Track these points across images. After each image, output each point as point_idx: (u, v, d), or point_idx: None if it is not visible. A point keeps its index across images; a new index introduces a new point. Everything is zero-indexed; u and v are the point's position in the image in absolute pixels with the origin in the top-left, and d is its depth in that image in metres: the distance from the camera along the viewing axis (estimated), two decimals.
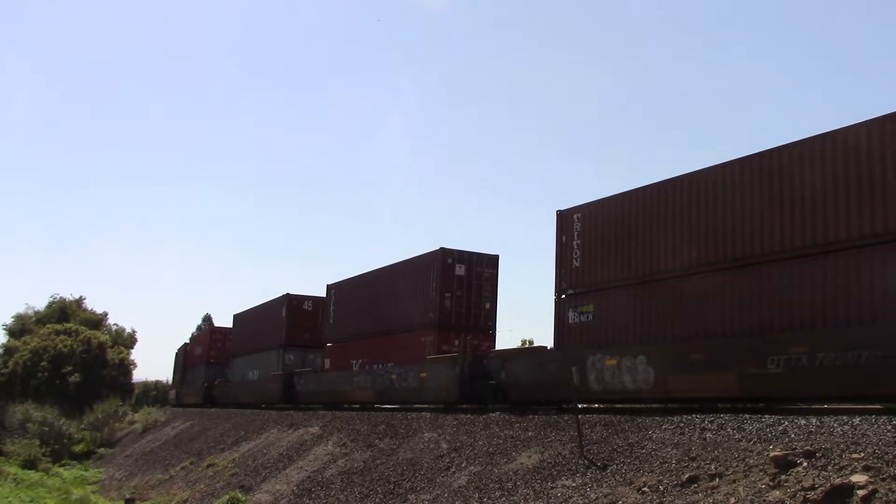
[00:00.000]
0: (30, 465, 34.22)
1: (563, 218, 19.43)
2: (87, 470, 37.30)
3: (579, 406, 15.43)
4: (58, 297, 64.22)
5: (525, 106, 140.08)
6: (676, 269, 16.09)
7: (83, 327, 58.47)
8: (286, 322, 34.88)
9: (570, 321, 18.40)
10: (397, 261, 26.66)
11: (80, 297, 65.89)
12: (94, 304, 66.89)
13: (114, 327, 66.15)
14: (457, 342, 23.22)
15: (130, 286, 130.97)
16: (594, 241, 18.35)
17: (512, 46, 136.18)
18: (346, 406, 28.25)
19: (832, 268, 13.14)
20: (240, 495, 19.77)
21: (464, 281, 23.84)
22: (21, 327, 61.42)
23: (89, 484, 32.74)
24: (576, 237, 18.83)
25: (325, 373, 30.20)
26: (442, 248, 23.87)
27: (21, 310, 63.94)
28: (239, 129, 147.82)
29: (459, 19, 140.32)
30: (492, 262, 24.50)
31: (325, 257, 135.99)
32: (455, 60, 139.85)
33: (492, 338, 24.08)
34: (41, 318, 61.64)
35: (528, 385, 19.17)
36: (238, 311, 43.89)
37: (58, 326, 57.45)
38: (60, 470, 35.41)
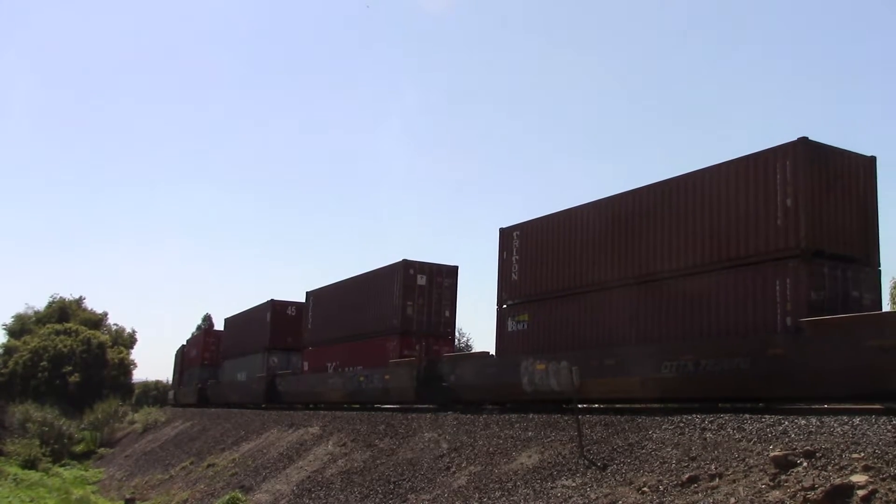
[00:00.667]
0: (30, 465, 34.26)
1: (504, 235, 21.29)
2: (87, 470, 37.34)
3: (579, 406, 15.50)
4: (58, 297, 64.31)
5: (525, 106, 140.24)
6: (594, 284, 18.09)
7: (83, 327, 58.50)
8: (270, 326, 36.97)
9: (509, 329, 20.34)
10: (367, 270, 28.88)
11: (80, 297, 66.04)
12: (94, 304, 67.06)
13: (114, 327, 66.24)
14: (418, 347, 25.37)
15: (130, 286, 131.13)
16: (529, 256, 20.26)
17: (512, 47, 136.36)
18: (322, 406, 30.03)
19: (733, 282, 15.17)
20: (240, 495, 19.79)
21: (425, 290, 25.97)
22: (21, 327, 61.43)
23: (89, 484, 32.76)
24: (514, 253, 20.76)
25: (304, 375, 32.38)
26: (405, 260, 25.99)
27: (21, 310, 64.08)
28: (239, 130, 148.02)
29: (459, 20, 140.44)
30: (451, 272, 26.71)
31: (325, 257, 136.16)
32: (455, 61, 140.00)
33: (451, 343, 26.41)
34: (41, 318, 61.65)
35: (474, 387, 20.84)
36: (229, 315, 45.67)
37: (58, 326, 57.47)
38: (60, 470, 35.44)
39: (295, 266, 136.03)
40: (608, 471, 12.23)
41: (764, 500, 9.18)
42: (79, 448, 43.51)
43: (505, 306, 20.81)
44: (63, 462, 38.35)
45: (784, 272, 14.06)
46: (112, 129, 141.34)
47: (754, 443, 10.93)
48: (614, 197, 18.02)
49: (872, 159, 15.52)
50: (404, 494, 15.21)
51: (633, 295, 16.91)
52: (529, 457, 14.17)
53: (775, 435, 10.93)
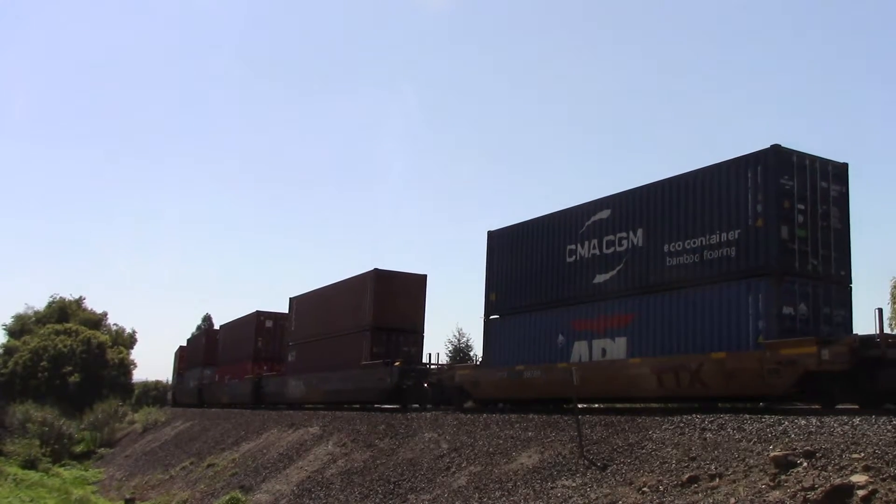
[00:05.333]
0: (30, 465, 34.22)
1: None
2: (87, 470, 37.31)
3: (579, 406, 15.47)
4: (58, 297, 64.28)
5: (526, 106, 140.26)
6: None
7: (83, 327, 58.47)
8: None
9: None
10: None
11: (80, 297, 65.97)
12: (94, 304, 66.98)
13: (114, 327, 66.17)
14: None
15: (130, 286, 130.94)
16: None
17: (512, 47, 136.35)
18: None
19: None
20: (240, 495, 19.79)
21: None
22: (21, 327, 61.39)
23: (89, 484, 32.74)
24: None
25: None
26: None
27: (21, 310, 64.00)
28: (239, 130, 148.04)
29: (460, 20, 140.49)
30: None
31: (325, 257, 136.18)
32: (455, 61, 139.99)
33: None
34: (41, 318, 61.61)
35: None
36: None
37: (58, 326, 57.44)
38: (60, 470, 35.41)
39: (295, 266, 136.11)
40: (608, 471, 12.23)
41: (764, 500, 9.19)
42: (79, 448, 43.48)
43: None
44: (63, 462, 38.31)
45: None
46: (112, 130, 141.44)
47: (754, 443, 10.93)
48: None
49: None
50: (404, 494, 15.21)
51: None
52: (529, 457, 14.17)
53: (775, 435, 10.93)
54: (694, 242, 15.94)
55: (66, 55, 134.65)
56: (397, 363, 25.20)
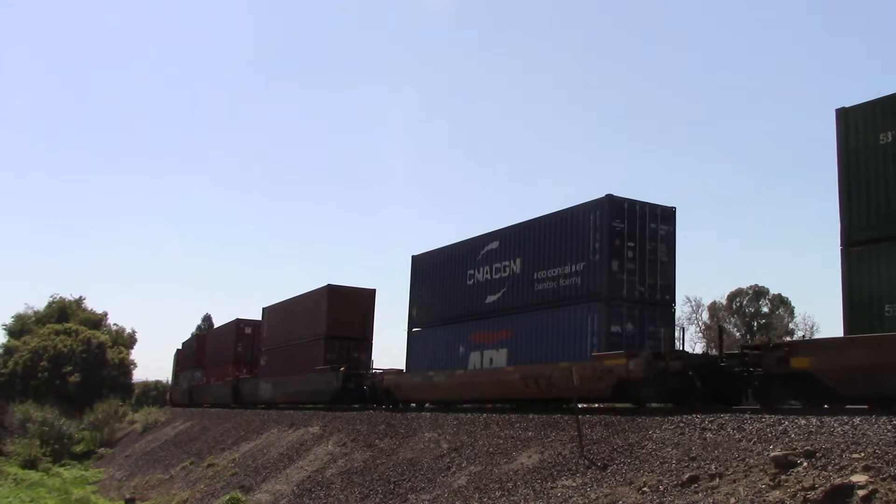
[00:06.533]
0: (30, 465, 34.25)
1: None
2: (87, 470, 37.30)
3: (579, 406, 15.56)
4: (58, 297, 64.18)
5: (526, 106, 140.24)
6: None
7: (83, 327, 58.41)
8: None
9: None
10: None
11: (80, 297, 65.88)
12: (94, 304, 66.91)
13: (114, 327, 66.07)
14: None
15: (130, 286, 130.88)
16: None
17: (513, 46, 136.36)
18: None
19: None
20: (240, 495, 19.78)
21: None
22: (21, 327, 61.30)
23: (89, 484, 32.73)
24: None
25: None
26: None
27: (21, 310, 63.91)
28: (240, 130, 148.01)
29: (460, 20, 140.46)
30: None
31: (324, 257, 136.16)
32: (456, 61, 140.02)
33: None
34: (41, 318, 61.53)
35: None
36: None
37: (58, 326, 57.39)
38: (60, 470, 35.42)
39: (295, 265, 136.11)
40: (608, 471, 12.23)
41: (764, 500, 9.18)
42: (79, 448, 43.49)
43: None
44: (63, 462, 38.33)
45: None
46: (112, 129, 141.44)
47: (754, 443, 10.93)
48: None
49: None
50: (404, 494, 15.21)
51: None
52: (529, 457, 14.17)
53: (775, 435, 10.93)
54: (553, 271, 19.41)
55: (66, 55, 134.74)
56: (342, 368, 28.75)
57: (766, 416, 12.34)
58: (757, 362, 14.50)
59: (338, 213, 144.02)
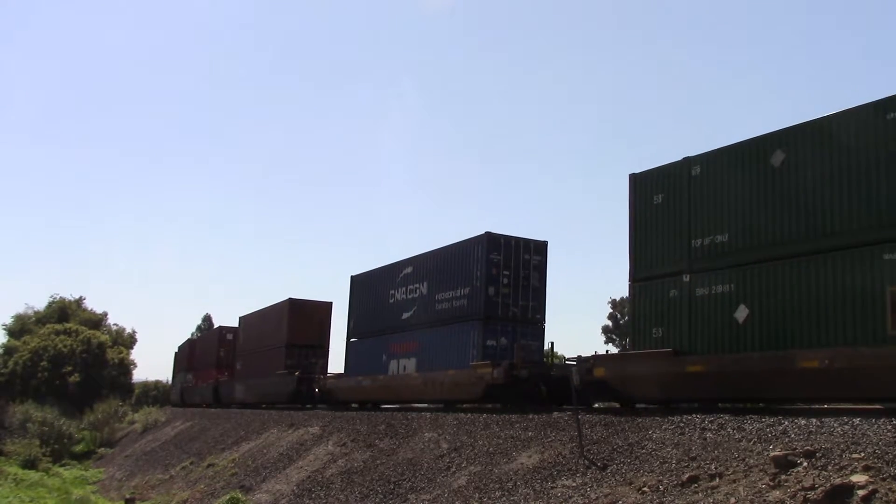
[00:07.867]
0: (30, 465, 34.24)
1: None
2: (87, 470, 37.29)
3: (579, 406, 15.56)
4: (58, 297, 64.19)
5: (526, 106, 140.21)
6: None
7: (83, 327, 58.40)
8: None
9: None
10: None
11: (80, 297, 65.90)
12: (94, 304, 66.94)
13: (114, 327, 66.08)
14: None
15: (130, 286, 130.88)
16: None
17: (513, 45, 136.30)
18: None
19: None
20: (240, 495, 19.76)
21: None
22: (21, 327, 61.29)
23: (89, 484, 32.72)
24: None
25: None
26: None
27: (21, 310, 63.90)
28: (240, 130, 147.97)
29: (460, 20, 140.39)
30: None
31: (325, 257, 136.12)
32: (456, 61, 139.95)
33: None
34: (41, 318, 61.53)
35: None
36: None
37: (58, 326, 57.38)
38: (60, 470, 35.41)
39: (295, 265, 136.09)
40: (608, 471, 12.23)
41: (764, 500, 9.18)
42: (79, 448, 43.47)
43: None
44: (63, 462, 38.31)
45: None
46: (112, 129, 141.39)
47: (754, 443, 10.93)
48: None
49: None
50: (404, 494, 15.20)
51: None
52: (529, 457, 14.16)
53: (775, 435, 10.93)
54: (448, 294, 22.92)
55: (66, 55, 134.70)
56: (297, 373, 32.16)
57: (766, 416, 12.34)
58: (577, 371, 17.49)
59: (338, 212, 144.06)
